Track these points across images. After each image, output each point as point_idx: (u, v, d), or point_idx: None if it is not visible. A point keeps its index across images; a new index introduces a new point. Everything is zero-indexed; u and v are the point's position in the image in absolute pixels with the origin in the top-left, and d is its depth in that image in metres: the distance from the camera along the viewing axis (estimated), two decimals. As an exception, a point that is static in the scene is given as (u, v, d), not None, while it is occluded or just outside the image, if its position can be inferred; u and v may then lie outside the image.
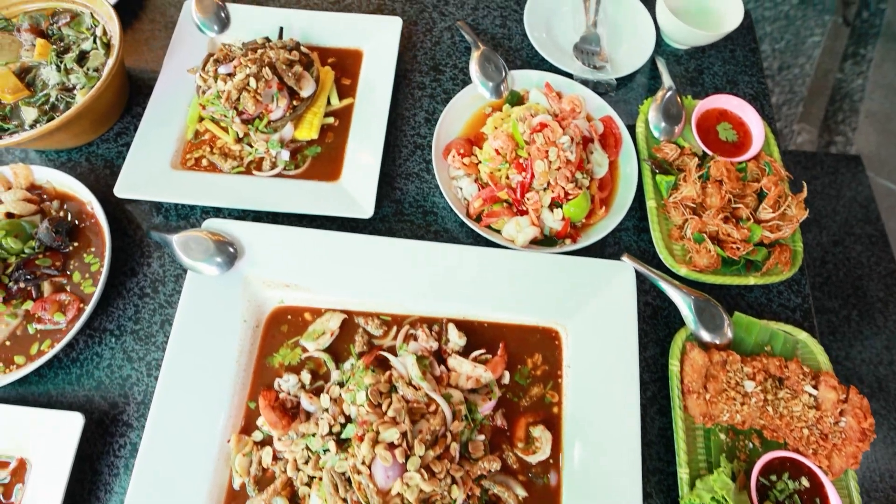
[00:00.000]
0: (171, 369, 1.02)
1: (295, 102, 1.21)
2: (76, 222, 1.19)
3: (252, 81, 1.14)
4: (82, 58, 1.22)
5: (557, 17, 1.48)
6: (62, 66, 1.20)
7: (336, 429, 0.95)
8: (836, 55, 3.10)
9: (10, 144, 1.11)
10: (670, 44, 1.49)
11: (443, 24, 1.49)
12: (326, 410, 0.99)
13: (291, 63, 1.23)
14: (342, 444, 0.94)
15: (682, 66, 1.47)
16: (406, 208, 1.25)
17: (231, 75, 1.19)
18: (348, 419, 0.97)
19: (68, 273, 1.15)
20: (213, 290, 1.08)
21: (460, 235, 1.24)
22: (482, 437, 0.99)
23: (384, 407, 0.95)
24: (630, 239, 1.26)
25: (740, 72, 1.47)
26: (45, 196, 1.22)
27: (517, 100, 1.34)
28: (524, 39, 1.47)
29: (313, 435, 0.96)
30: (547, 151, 1.14)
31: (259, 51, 1.23)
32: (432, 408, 0.96)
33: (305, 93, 1.22)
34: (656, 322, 1.19)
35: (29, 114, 1.16)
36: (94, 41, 1.23)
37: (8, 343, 1.10)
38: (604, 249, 1.24)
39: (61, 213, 1.19)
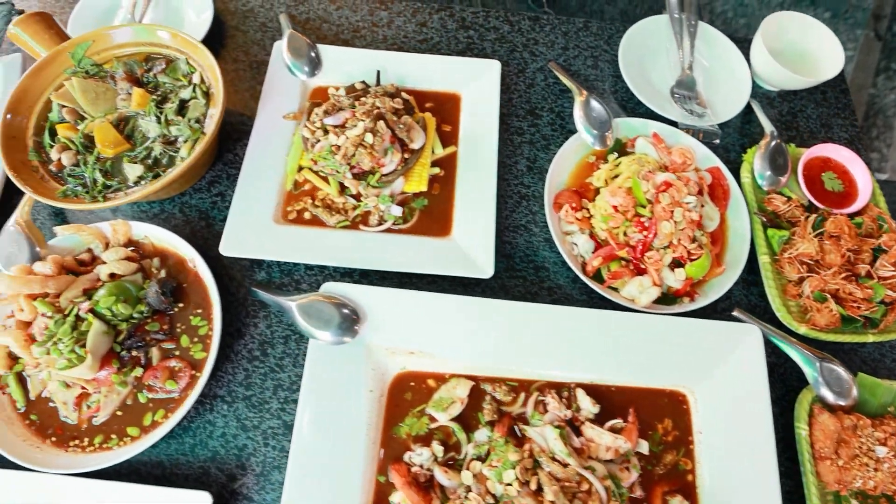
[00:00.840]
0: (301, 447, 0.98)
1: (405, 155, 1.17)
2: (179, 282, 1.14)
3: (368, 136, 1.10)
4: (181, 107, 1.17)
5: (650, 58, 1.45)
6: (163, 118, 1.14)
7: (486, 510, 0.92)
8: (870, 70, 3.11)
9: (123, 202, 1.06)
10: (762, 86, 1.47)
11: (535, 64, 1.45)
12: (469, 489, 0.96)
13: (398, 112, 1.19)
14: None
15: (775, 110, 1.45)
16: (517, 263, 1.22)
17: (341, 127, 1.14)
18: (494, 498, 0.94)
19: (175, 337, 1.10)
20: (336, 359, 1.04)
21: (573, 292, 1.21)
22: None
23: (532, 485, 0.93)
24: (739, 293, 1.24)
25: (833, 115, 1.46)
26: (142, 253, 1.17)
27: (620, 148, 1.31)
28: (617, 81, 1.44)
29: (460, 515, 0.93)
30: (672, 212, 1.12)
31: (362, 98, 1.19)
32: (584, 486, 0.93)
33: (416, 144, 1.18)
34: (772, 380, 1.17)
35: (133, 170, 1.11)
36: (194, 90, 1.17)
37: (119, 413, 1.06)
38: (715, 304, 1.22)
39: (162, 272, 1.14)
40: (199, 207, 1.25)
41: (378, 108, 1.15)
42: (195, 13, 1.43)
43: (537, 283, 1.22)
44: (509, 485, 0.93)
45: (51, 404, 1.06)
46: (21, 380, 1.07)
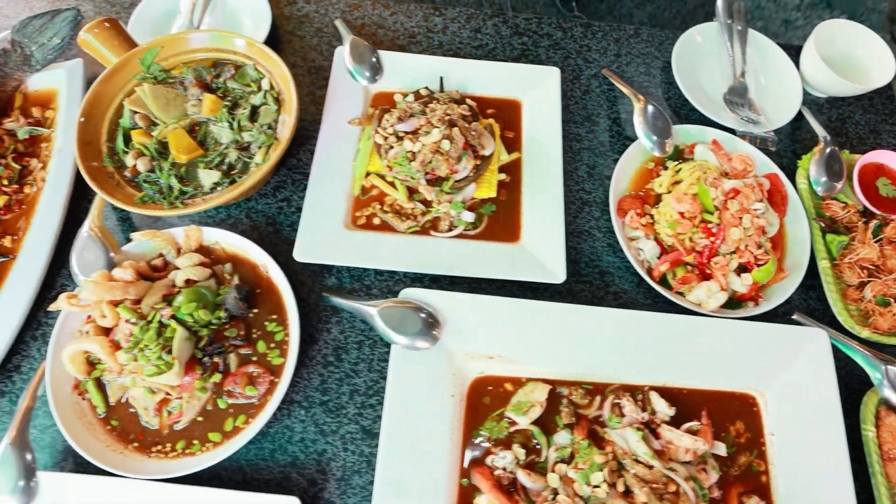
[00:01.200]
0: (389, 451, 0.99)
1: (477, 161, 1.18)
2: (252, 287, 1.15)
3: (445, 143, 1.11)
4: (253, 113, 1.17)
5: (702, 65, 1.47)
6: (235, 124, 1.15)
7: (575, 512, 0.94)
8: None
9: (204, 208, 1.06)
10: (810, 92, 1.49)
11: (589, 71, 1.47)
12: (556, 491, 0.97)
13: (466, 118, 1.20)
14: (585, 529, 0.93)
15: (823, 116, 1.48)
16: (583, 268, 1.24)
17: (413, 133, 1.15)
18: (583, 500, 0.95)
19: (252, 342, 1.11)
20: (418, 365, 1.06)
21: (638, 296, 1.23)
22: (715, 514, 0.99)
23: (619, 487, 0.95)
24: (797, 297, 1.26)
25: (881, 120, 1.49)
26: (213, 258, 1.17)
27: (678, 154, 1.33)
28: (670, 88, 1.46)
29: (549, 518, 0.95)
30: (741, 218, 1.14)
31: (430, 104, 1.20)
32: (671, 488, 0.95)
33: (487, 151, 1.19)
34: (834, 382, 1.20)
35: (209, 176, 1.11)
36: (265, 96, 1.18)
37: (200, 419, 1.06)
38: (775, 308, 1.24)
39: (235, 278, 1.14)
40: (265, 213, 1.25)
41: (450, 114, 1.16)
42: (251, 19, 1.43)
43: (603, 288, 1.23)
44: (597, 487, 0.95)
45: (131, 410, 1.07)
46: (100, 385, 1.08)
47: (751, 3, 3.16)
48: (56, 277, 1.19)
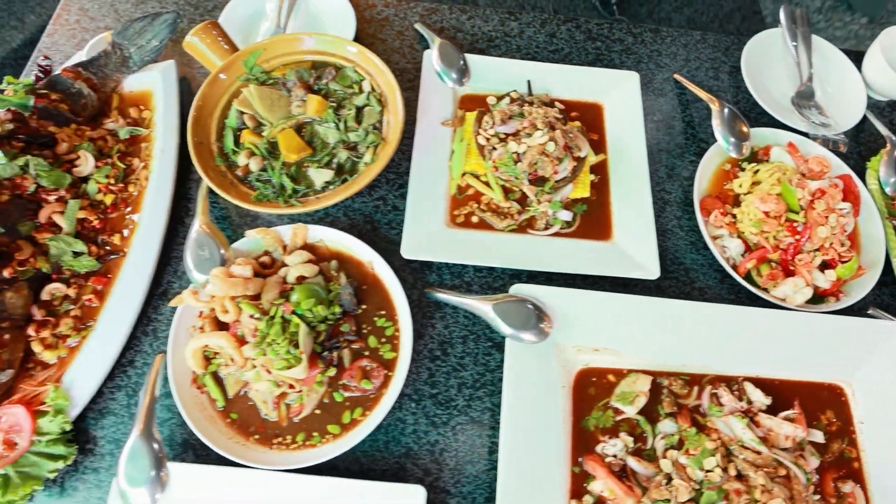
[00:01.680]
0: (509, 440, 1.03)
1: (574, 162, 1.22)
2: (358, 283, 1.18)
3: (550, 145, 1.16)
4: (357, 114, 1.21)
5: (768, 70, 1.53)
6: (341, 124, 1.18)
7: (692, 495, 0.99)
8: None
9: (320, 206, 1.10)
10: (871, 95, 1.56)
11: (661, 75, 1.52)
12: (669, 476, 1.02)
13: (559, 121, 1.25)
14: (703, 512, 0.98)
15: (885, 118, 1.54)
16: (669, 265, 1.29)
17: (514, 135, 1.19)
18: (699, 484, 1.00)
19: (363, 337, 1.14)
20: (531, 358, 1.10)
21: (722, 292, 1.28)
22: (817, 496, 1.05)
23: (731, 471, 1.00)
24: (871, 292, 1.32)
25: (938, 124, 1.55)
26: (317, 255, 1.20)
27: (752, 156, 1.38)
28: (738, 92, 1.52)
29: (666, 501, 0.99)
30: (827, 217, 1.20)
31: (526, 107, 1.24)
32: (781, 472, 1.00)
33: (583, 152, 1.24)
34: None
35: (321, 175, 1.14)
36: (368, 97, 1.21)
37: (318, 412, 1.09)
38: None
39: (342, 275, 1.18)
40: (362, 212, 1.29)
41: (549, 117, 1.20)
42: (334, 21, 1.46)
43: (688, 284, 1.28)
44: (709, 471, 1.00)
45: (249, 403, 1.10)
46: (217, 379, 1.11)
47: (774, 7, 3.24)
48: (162, 275, 1.22)
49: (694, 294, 1.28)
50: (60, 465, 1.03)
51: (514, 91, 1.32)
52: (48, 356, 1.10)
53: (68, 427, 1.05)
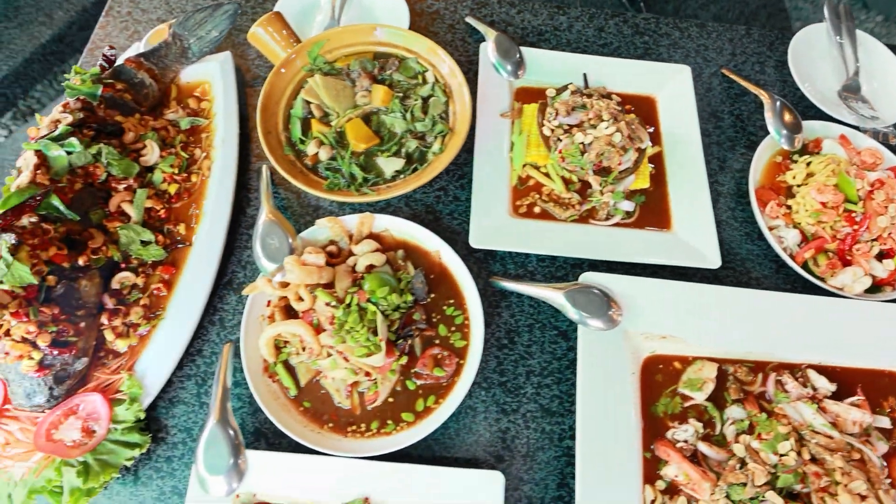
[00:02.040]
0: (587, 429, 1.05)
1: (636, 153, 1.24)
2: (426, 272, 1.19)
3: (617, 136, 1.17)
4: (423, 104, 1.22)
5: (813, 64, 1.55)
6: (408, 114, 1.19)
7: (769, 479, 1.00)
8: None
9: (392, 195, 1.10)
10: (912, 91, 1.58)
11: (708, 69, 1.54)
12: (742, 461, 1.03)
13: (622, 113, 1.26)
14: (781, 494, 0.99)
15: (926, 113, 1.56)
16: (725, 256, 1.30)
17: (578, 127, 1.21)
18: (773, 468, 1.02)
19: (434, 326, 1.15)
20: (603, 345, 1.11)
21: (778, 281, 1.30)
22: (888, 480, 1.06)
23: (804, 455, 1.01)
24: (921, 282, 1.35)
25: (976, 119, 1.58)
26: (383, 245, 1.21)
27: (803, 148, 1.40)
28: (784, 86, 1.54)
29: (742, 485, 1.01)
30: (887, 207, 1.22)
31: (587, 99, 1.26)
32: (855, 456, 1.02)
33: (644, 144, 1.25)
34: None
35: (391, 164, 1.15)
36: (433, 88, 1.22)
37: (391, 400, 1.10)
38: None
39: (409, 264, 1.18)
40: (423, 202, 1.29)
41: (611, 109, 1.22)
42: (387, 13, 1.47)
43: (745, 274, 1.30)
44: (784, 455, 1.01)
45: (322, 391, 1.10)
46: (288, 368, 1.11)
47: (789, 4, 3.27)
48: (227, 264, 1.22)
49: (751, 283, 1.29)
50: (136, 453, 1.03)
51: (572, 84, 1.33)
52: (120, 345, 1.10)
53: (142, 415, 1.05)
